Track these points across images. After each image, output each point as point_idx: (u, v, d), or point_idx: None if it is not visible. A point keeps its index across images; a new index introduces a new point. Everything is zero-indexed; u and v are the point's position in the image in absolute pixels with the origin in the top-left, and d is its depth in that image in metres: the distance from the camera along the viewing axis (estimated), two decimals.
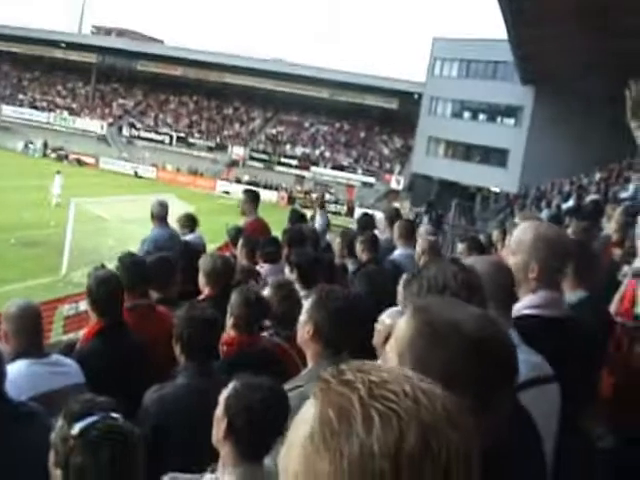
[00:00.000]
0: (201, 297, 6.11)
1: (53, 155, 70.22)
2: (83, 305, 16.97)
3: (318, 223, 13.34)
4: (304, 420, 1.17)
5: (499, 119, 58.78)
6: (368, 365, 1.20)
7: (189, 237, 9.59)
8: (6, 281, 21.93)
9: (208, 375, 4.06)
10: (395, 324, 1.91)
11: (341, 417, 1.12)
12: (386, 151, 71.93)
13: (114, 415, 2.58)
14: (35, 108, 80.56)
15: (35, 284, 21.21)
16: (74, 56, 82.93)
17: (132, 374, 4.47)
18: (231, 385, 3.09)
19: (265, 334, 5.16)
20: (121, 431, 2.54)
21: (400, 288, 3.39)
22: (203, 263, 6.26)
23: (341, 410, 1.12)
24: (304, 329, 3.79)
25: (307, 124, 76.10)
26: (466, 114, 60.59)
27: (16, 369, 3.78)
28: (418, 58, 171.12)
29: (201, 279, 6.21)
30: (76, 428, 2.47)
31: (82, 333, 5.51)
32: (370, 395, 1.12)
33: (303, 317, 3.84)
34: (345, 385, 1.15)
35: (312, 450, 1.13)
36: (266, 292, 5.36)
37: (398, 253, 8.35)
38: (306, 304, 3.94)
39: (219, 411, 3.05)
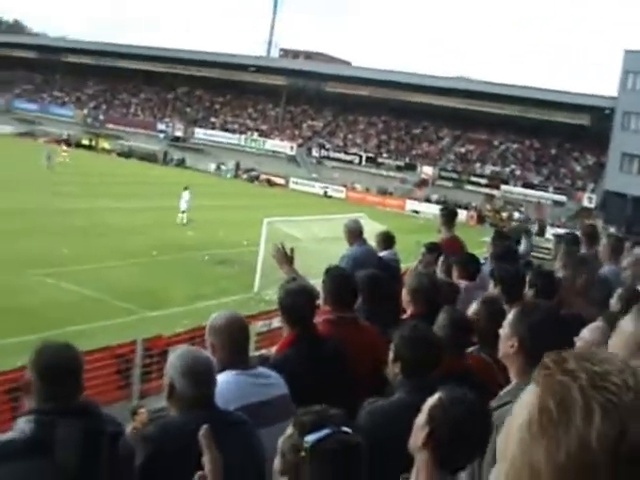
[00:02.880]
0: (406, 315, 6.02)
1: (244, 176, 72.42)
2: (276, 322, 17.15)
3: (522, 248, 12.98)
4: (524, 406, 1.15)
5: None
6: (590, 353, 1.17)
7: (383, 254, 9.70)
8: (203, 297, 22.56)
9: (424, 392, 3.77)
10: (594, 339, 1.78)
11: (560, 407, 1.09)
12: (578, 168, 69.75)
13: (345, 429, 2.56)
14: (226, 130, 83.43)
15: (229, 301, 21.64)
16: (263, 79, 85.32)
17: (327, 384, 4.39)
18: (436, 396, 3.01)
19: (471, 349, 5.13)
20: (352, 445, 2.53)
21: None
22: (409, 280, 6.18)
23: (561, 399, 1.10)
24: (507, 343, 3.73)
25: (496, 142, 74.93)
26: None
27: (223, 380, 3.78)
28: (608, 71, 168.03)
29: (405, 296, 6.08)
30: (309, 439, 2.46)
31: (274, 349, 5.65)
32: (592, 385, 1.09)
33: (506, 331, 3.77)
34: (566, 374, 1.12)
35: (529, 437, 1.11)
36: (473, 308, 5.32)
37: (606, 269, 8.14)
38: (509, 318, 3.86)
39: (421, 420, 2.96)
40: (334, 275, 5.64)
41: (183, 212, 37.15)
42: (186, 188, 37.86)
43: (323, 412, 2.61)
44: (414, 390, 3.93)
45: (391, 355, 4.16)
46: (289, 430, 2.58)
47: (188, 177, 64.99)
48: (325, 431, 2.49)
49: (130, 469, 3.22)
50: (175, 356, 3.50)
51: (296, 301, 4.87)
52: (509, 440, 1.16)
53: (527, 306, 3.80)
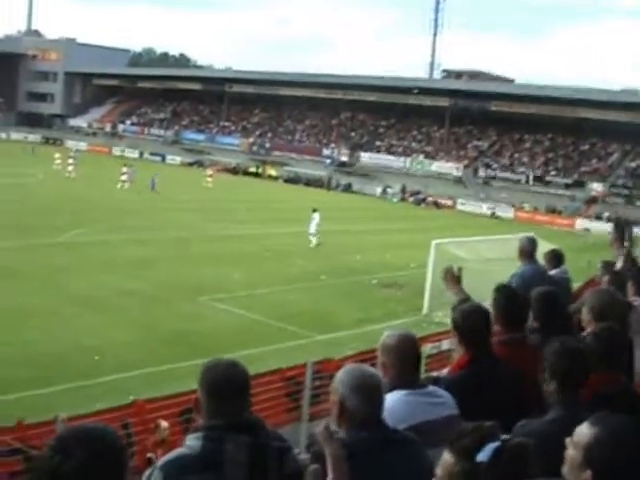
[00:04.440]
0: (585, 333, 5.66)
1: (411, 199, 72.30)
2: (446, 344, 16.89)
3: None
4: None
5: None
6: None
7: (553, 272, 9.50)
8: (371, 320, 22.57)
9: (577, 409, 3.73)
10: None
11: None
12: None
13: (505, 436, 2.51)
14: (392, 154, 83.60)
15: (397, 324, 21.51)
16: (427, 101, 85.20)
17: (502, 408, 4.16)
18: (592, 430, 2.69)
19: None
20: (525, 447, 2.49)
21: None
22: (591, 298, 5.93)
23: None
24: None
25: None
26: None
27: (393, 399, 3.76)
28: None
29: (586, 315, 5.81)
30: (482, 458, 2.40)
31: (444, 371, 5.47)
32: None
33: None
34: None
35: None
36: None
37: None
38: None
39: (576, 458, 2.70)
40: (505, 294, 5.53)
41: (313, 235, 36.85)
42: (315, 210, 37.36)
43: (478, 429, 2.52)
44: (570, 405, 3.87)
45: (545, 372, 4.09)
46: (448, 458, 2.48)
47: (353, 201, 65.86)
48: (491, 445, 2.42)
49: None
50: (344, 373, 3.46)
51: (471, 321, 4.80)
52: None
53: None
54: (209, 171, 67.60)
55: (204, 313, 22.46)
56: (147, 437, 11.28)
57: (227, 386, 3.21)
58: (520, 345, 5.35)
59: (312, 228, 36.90)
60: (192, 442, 3.12)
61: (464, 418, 3.89)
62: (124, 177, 55.72)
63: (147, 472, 3.15)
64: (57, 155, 59.02)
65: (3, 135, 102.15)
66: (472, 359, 4.77)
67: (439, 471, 2.51)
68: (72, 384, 15.40)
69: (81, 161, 64.00)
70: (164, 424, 11.08)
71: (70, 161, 59.92)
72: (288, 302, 24.54)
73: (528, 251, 9.40)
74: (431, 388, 4.16)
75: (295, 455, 3.27)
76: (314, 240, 36.64)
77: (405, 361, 4.03)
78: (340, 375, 3.46)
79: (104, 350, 17.72)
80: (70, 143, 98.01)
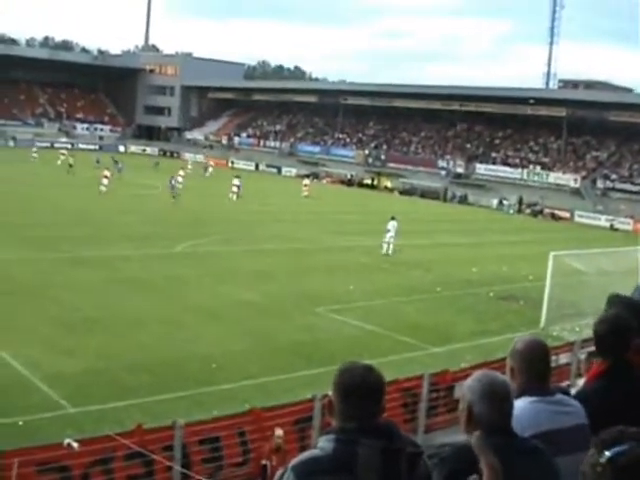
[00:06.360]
0: None
1: (527, 210, 71.20)
2: (564, 358, 16.55)
3: None
4: None
5: None
6: None
7: None
8: (487, 333, 22.30)
9: None
10: None
11: None
12: None
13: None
14: (508, 165, 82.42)
15: (514, 337, 20.99)
16: (544, 111, 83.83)
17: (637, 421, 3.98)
18: None
19: None
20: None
21: None
22: None
23: None
24: None
25: None
26: None
27: (521, 406, 3.66)
28: None
29: None
30: (605, 455, 2.39)
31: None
32: None
33: None
34: None
35: None
36: None
37: None
38: None
39: None
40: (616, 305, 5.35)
41: (388, 243, 36.45)
42: (393, 218, 37.17)
43: (623, 429, 2.51)
44: None
45: None
46: (590, 452, 2.48)
47: (469, 213, 65.23)
48: (624, 446, 2.40)
49: None
50: (473, 379, 3.39)
51: (607, 329, 4.62)
52: None
53: None
54: (306, 181, 68.34)
55: (319, 324, 22.55)
56: (262, 445, 11.37)
57: (362, 389, 3.18)
58: None
59: (388, 236, 36.58)
60: (324, 444, 3.11)
61: (598, 429, 3.74)
62: (234, 189, 56.65)
63: (279, 472, 3.17)
64: (181, 172, 59.92)
65: (122, 148, 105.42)
66: (606, 369, 4.60)
67: (581, 467, 2.52)
68: (189, 391, 15.67)
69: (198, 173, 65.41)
70: (279, 432, 11.15)
71: (181, 173, 60.59)
72: (404, 313, 24.43)
73: None
74: (560, 396, 4.03)
75: (426, 460, 3.21)
76: (389, 248, 36.34)
77: (533, 367, 3.92)
78: (469, 382, 3.39)
79: (221, 359, 17.98)
80: (187, 155, 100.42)
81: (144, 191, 54.92)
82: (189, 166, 77.67)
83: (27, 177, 57.44)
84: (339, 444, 3.07)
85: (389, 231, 36.63)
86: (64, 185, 55.28)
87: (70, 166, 65.33)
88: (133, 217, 40.91)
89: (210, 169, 78.15)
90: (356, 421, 3.14)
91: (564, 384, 11.26)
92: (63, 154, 74.76)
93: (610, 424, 3.29)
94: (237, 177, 58.13)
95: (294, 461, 3.11)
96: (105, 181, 52.21)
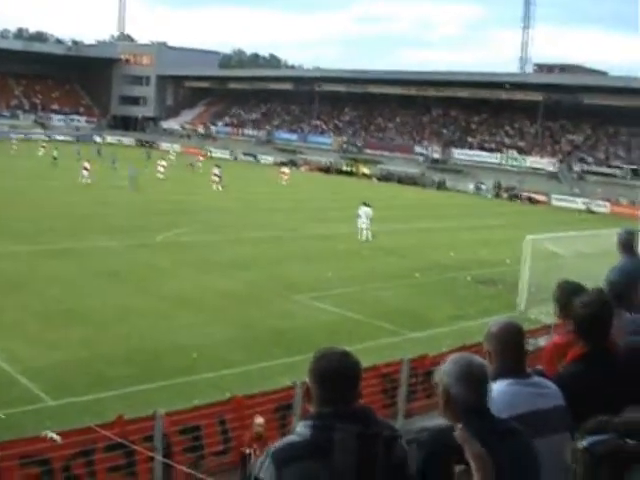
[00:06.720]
0: None
1: (505, 195, 71.55)
2: (542, 341, 16.61)
3: None
4: None
5: None
6: None
7: None
8: (465, 317, 22.43)
9: None
10: None
11: None
12: None
13: (629, 441, 2.50)
14: (484, 150, 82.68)
15: (492, 320, 21.18)
16: (519, 96, 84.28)
17: (616, 402, 3.87)
18: None
19: None
20: (630, 452, 2.48)
21: None
22: None
23: None
24: None
25: None
26: None
27: (497, 389, 3.70)
28: None
29: None
30: (583, 443, 2.50)
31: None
32: None
33: None
34: None
35: None
36: None
37: None
38: None
39: None
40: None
41: (363, 229, 36.63)
42: (365, 204, 37.41)
43: (609, 419, 2.59)
44: None
45: None
46: (575, 436, 2.61)
47: (447, 198, 65.42)
48: (604, 436, 2.50)
49: (405, 473, 3.23)
50: (450, 362, 3.43)
51: (587, 313, 4.63)
52: None
53: None
54: (285, 169, 68.65)
55: (299, 311, 22.58)
56: (243, 433, 11.42)
57: (338, 375, 3.22)
58: None
59: (359, 223, 36.81)
60: (302, 429, 3.16)
61: (575, 413, 3.78)
62: (215, 178, 56.65)
63: (260, 459, 3.19)
64: (163, 162, 60.24)
65: (98, 139, 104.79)
66: (585, 353, 4.64)
67: None
68: (170, 381, 15.68)
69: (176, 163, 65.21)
70: (259, 420, 11.19)
71: (163, 163, 61.30)
72: (382, 299, 24.49)
73: (628, 244, 8.91)
74: (536, 379, 4.09)
75: (403, 444, 3.25)
76: (368, 234, 36.43)
77: (509, 350, 3.97)
78: (445, 365, 3.43)
79: (201, 348, 17.97)
80: (164, 145, 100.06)
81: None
82: (171, 157, 77.31)
83: (11, 170, 57.08)
84: (316, 430, 3.12)
85: (360, 217, 36.82)
86: (50, 177, 55.16)
87: (54, 158, 65.23)
88: (113, 209, 40.82)
89: (199, 164, 73.86)
90: (332, 406, 3.18)
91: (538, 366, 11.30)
92: (43, 146, 74.87)
93: (587, 407, 3.37)
94: (217, 166, 58.21)
95: (272, 447, 3.15)
96: (85, 173, 52.22)
